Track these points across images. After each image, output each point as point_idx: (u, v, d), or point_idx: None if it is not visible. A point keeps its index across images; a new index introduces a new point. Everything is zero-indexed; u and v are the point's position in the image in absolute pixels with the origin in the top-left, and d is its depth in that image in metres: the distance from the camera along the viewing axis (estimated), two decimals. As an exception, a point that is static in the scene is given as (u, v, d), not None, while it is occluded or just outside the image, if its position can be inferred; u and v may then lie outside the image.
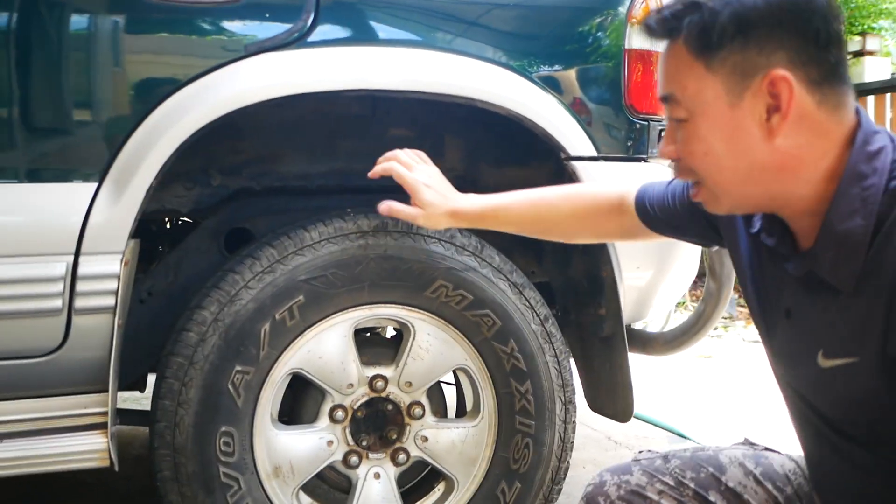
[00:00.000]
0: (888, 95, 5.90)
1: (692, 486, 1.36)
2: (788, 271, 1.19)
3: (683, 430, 3.32)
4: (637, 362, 3.74)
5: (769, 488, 1.37)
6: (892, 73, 6.74)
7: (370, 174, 1.72)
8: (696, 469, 1.39)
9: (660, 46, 1.17)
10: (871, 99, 5.97)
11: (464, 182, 2.08)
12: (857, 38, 6.41)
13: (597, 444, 3.17)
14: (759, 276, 1.28)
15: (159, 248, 2.18)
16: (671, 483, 1.37)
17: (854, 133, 1.10)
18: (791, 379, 1.27)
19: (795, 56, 1.07)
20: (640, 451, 1.46)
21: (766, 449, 1.46)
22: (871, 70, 6.30)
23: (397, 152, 1.72)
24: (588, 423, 3.33)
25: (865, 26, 6.53)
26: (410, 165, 1.70)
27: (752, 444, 1.47)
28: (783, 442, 1.40)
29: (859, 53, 6.37)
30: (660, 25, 1.13)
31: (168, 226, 2.30)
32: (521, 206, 1.66)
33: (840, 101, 1.11)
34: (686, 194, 1.44)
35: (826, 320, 1.14)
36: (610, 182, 1.80)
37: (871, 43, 6.36)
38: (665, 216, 1.50)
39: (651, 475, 1.38)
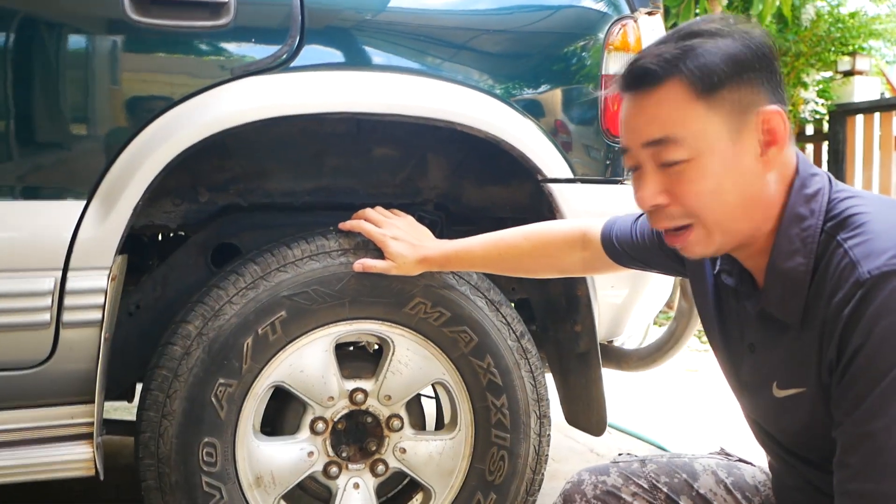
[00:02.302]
0: (877, 115, 5.97)
1: (665, 490, 1.43)
2: (747, 309, 1.25)
3: (665, 444, 3.37)
4: (626, 378, 3.79)
5: (738, 497, 1.44)
6: (881, 94, 6.80)
7: (340, 226, 1.85)
8: (670, 474, 1.45)
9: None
10: (859, 118, 6.04)
11: (447, 200, 2.15)
12: (847, 58, 6.47)
13: (580, 457, 3.22)
14: (723, 313, 1.34)
15: (149, 262, 2.22)
16: (645, 486, 1.44)
17: (794, 176, 1.17)
18: (751, 409, 1.34)
19: (772, 94, 1.14)
20: (620, 454, 1.53)
21: (740, 460, 1.53)
22: (860, 90, 6.35)
23: (367, 211, 1.87)
24: (572, 436, 3.38)
25: (856, 46, 6.59)
26: (380, 221, 1.84)
27: (727, 455, 1.54)
28: (758, 454, 1.46)
29: (849, 73, 6.43)
30: (658, 67, 1.13)
31: (159, 239, 2.35)
32: (484, 248, 1.77)
33: (792, 140, 1.18)
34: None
35: (779, 353, 1.21)
36: (570, 220, 1.86)
37: (861, 63, 6.42)
38: (632, 251, 1.57)
39: (627, 477, 1.45)
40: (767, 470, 1.48)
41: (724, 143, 1.13)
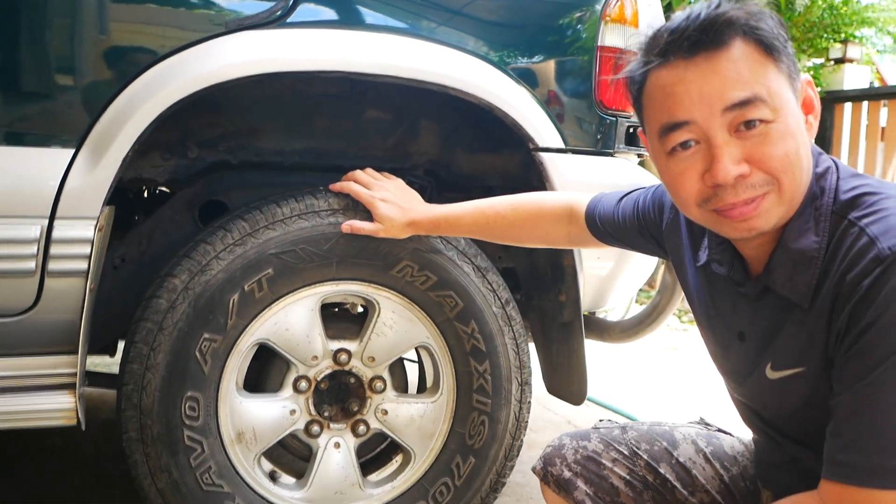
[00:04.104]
0: (865, 103, 5.98)
1: (645, 457, 1.45)
2: (743, 294, 1.25)
3: (641, 418, 3.40)
4: (605, 353, 3.82)
5: (717, 467, 1.46)
6: (871, 83, 6.81)
7: (330, 188, 1.84)
8: (650, 442, 1.47)
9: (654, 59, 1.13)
10: (848, 106, 6.05)
11: (437, 166, 2.14)
12: (839, 45, 6.47)
13: (557, 428, 3.25)
14: (709, 303, 1.34)
15: (135, 217, 2.22)
16: (626, 453, 1.45)
17: None
18: (739, 392, 1.35)
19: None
20: (601, 420, 1.54)
21: (719, 430, 1.55)
22: (850, 78, 6.35)
23: (357, 172, 1.87)
24: (550, 408, 3.41)
25: (848, 34, 6.59)
26: (370, 183, 1.84)
27: (706, 425, 1.56)
28: (738, 426, 1.48)
29: (840, 61, 6.43)
30: (721, 28, 1.08)
31: (145, 195, 2.34)
32: (472, 215, 1.77)
33: None
34: (641, 213, 1.50)
35: (778, 336, 1.20)
36: (559, 193, 1.86)
37: (853, 51, 6.42)
38: (613, 231, 1.58)
39: (608, 443, 1.46)
40: (746, 440, 1.50)
41: (794, 105, 1.12)
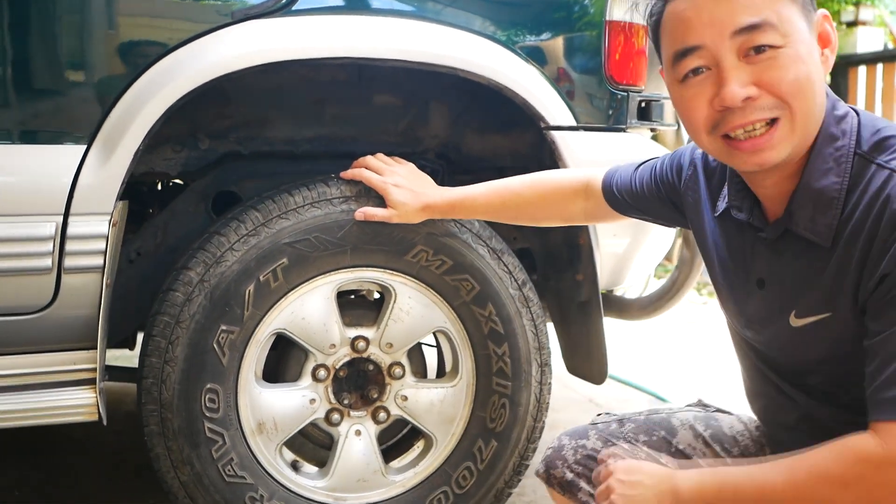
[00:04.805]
0: (879, 66, 5.92)
1: (645, 448, 1.43)
2: (762, 239, 1.25)
3: (662, 393, 3.40)
4: (625, 329, 3.81)
5: (717, 449, 1.45)
6: (885, 44, 6.73)
7: (342, 175, 1.83)
8: (648, 432, 1.46)
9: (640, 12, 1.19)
10: (862, 69, 5.99)
11: (448, 148, 2.13)
12: (851, 7, 6.39)
13: (578, 406, 3.25)
14: (725, 254, 1.34)
15: (149, 210, 2.22)
16: (625, 447, 1.44)
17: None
18: (758, 342, 1.33)
19: None
20: (598, 415, 1.53)
21: (718, 410, 1.53)
22: (863, 40, 6.28)
23: (367, 158, 1.85)
24: (571, 386, 3.40)
25: (860, -4, 6.53)
26: (381, 168, 1.82)
27: (704, 406, 1.55)
28: (740, 402, 1.48)
29: (852, 24, 6.36)
30: None
31: (159, 187, 2.34)
32: (487, 196, 1.76)
33: None
34: (659, 177, 1.49)
35: (801, 281, 1.20)
36: (573, 170, 1.85)
37: (865, 13, 6.35)
38: (632, 200, 1.57)
39: (606, 440, 1.45)
40: (745, 418, 1.49)
41: (806, 34, 1.13)
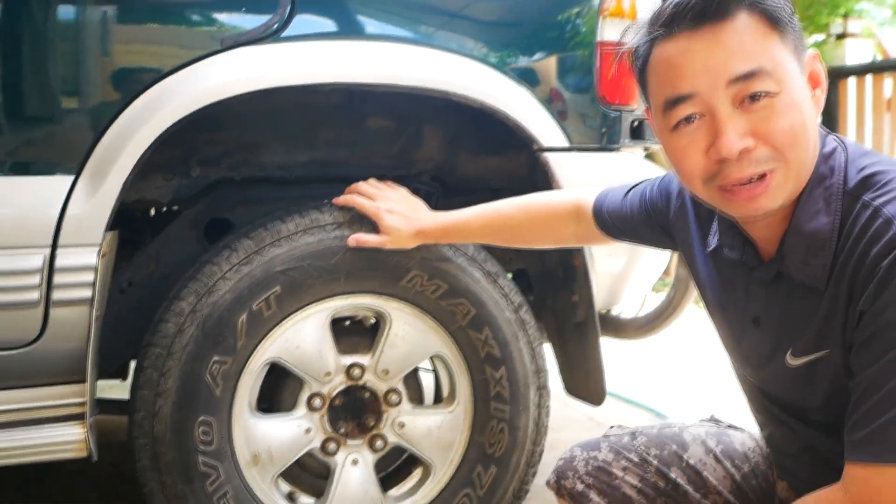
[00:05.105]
0: (868, 77, 5.93)
1: (655, 462, 1.42)
2: (756, 278, 1.23)
3: (663, 411, 3.37)
4: (624, 345, 3.79)
5: (727, 466, 1.43)
6: (874, 56, 6.76)
7: (334, 202, 1.82)
8: (660, 446, 1.44)
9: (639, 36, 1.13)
10: (852, 80, 6.00)
11: (442, 171, 2.12)
12: (839, 20, 6.42)
13: (579, 425, 3.22)
14: (721, 290, 1.32)
15: (142, 238, 2.19)
16: (636, 460, 1.43)
17: None
18: (756, 379, 1.32)
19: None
20: (612, 427, 1.52)
21: (730, 426, 1.52)
22: (852, 52, 6.30)
23: (359, 184, 1.84)
24: (571, 405, 3.36)
25: (847, 8, 6.55)
26: (374, 194, 1.81)
27: (716, 422, 1.54)
28: (750, 420, 1.46)
29: (841, 36, 6.38)
30: (723, 1, 1.06)
31: (152, 214, 2.32)
32: (480, 220, 1.75)
33: None
34: (649, 204, 1.47)
35: (795, 320, 1.18)
36: (565, 191, 1.83)
37: (853, 25, 6.37)
38: (622, 224, 1.55)
39: (618, 452, 1.44)
40: (757, 435, 1.47)
41: (799, 78, 1.10)
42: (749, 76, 1.06)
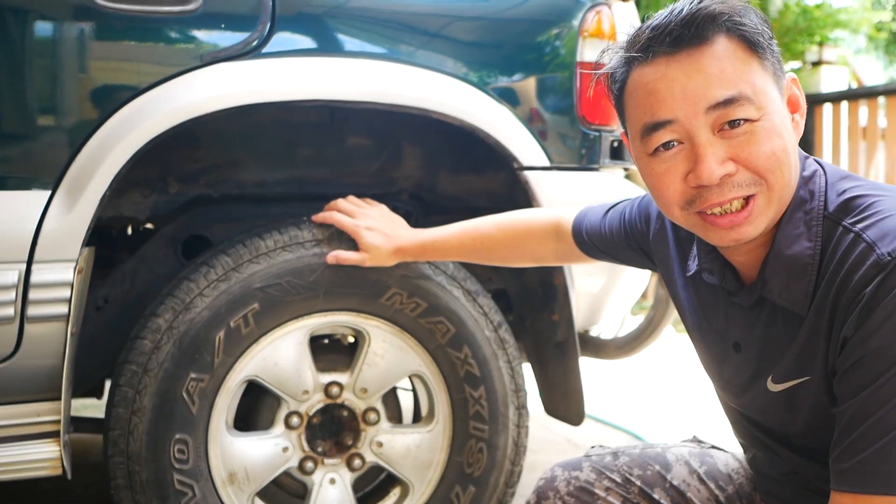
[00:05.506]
0: (844, 104, 6.01)
1: (638, 483, 1.40)
2: (736, 303, 1.22)
3: (641, 434, 3.37)
4: (602, 367, 3.79)
5: (711, 487, 1.42)
6: (849, 84, 6.86)
7: (313, 218, 1.81)
8: (643, 467, 1.42)
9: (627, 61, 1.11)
10: (827, 107, 6.07)
11: (422, 189, 2.12)
12: (815, 48, 6.52)
13: (557, 447, 3.21)
14: (701, 314, 1.31)
15: (119, 255, 2.17)
16: (618, 480, 1.41)
17: None
18: (738, 404, 1.31)
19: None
20: (593, 447, 1.50)
21: (713, 447, 1.51)
22: (827, 80, 6.39)
23: (339, 202, 1.83)
24: (549, 427, 3.37)
25: (823, 36, 6.65)
26: (353, 211, 1.81)
27: (699, 442, 1.52)
28: (732, 441, 1.45)
29: (817, 63, 6.47)
30: (703, 24, 1.05)
31: (129, 232, 2.30)
32: (459, 237, 1.75)
33: None
34: (628, 225, 1.47)
35: (776, 346, 1.17)
36: (544, 210, 1.83)
37: (829, 53, 6.47)
38: (601, 244, 1.55)
39: (600, 472, 1.42)
40: (740, 456, 1.47)
41: (779, 103, 1.09)
42: (728, 102, 1.05)
